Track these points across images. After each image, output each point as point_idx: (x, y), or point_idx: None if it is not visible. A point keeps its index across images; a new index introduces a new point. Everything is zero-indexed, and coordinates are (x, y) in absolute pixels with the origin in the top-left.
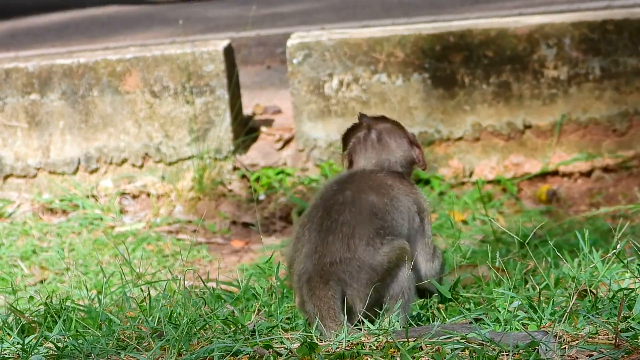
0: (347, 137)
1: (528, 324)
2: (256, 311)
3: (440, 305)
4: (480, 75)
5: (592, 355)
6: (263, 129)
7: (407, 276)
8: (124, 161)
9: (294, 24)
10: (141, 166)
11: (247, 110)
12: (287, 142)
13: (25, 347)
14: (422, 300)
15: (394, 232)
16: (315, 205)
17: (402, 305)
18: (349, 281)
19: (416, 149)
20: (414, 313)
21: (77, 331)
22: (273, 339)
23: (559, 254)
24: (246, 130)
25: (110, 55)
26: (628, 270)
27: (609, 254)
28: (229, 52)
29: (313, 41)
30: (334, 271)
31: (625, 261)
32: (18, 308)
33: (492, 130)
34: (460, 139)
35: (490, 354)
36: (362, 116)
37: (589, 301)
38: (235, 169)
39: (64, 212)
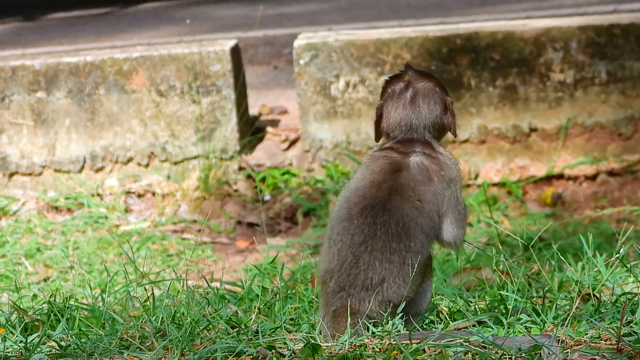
0: (385, 86)
1: (531, 328)
2: (256, 311)
3: (444, 308)
4: (486, 78)
5: (595, 359)
6: (269, 129)
7: (429, 288)
8: (130, 160)
9: (301, 24)
10: (147, 165)
11: (253, 111)
12: (293, 142)
13: (28, 345)
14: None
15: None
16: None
17: (417, 312)
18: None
19: (449, 116)
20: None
21: (80, 330)
22: (276, 339)
23: (562, 258)
24: (252, 130)
25: (117, 54)
26: (632, 275)
27: (613, 258)
28: (235, 52)
29: (320, 42)
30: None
31: (629, 265)
32: (21, 306)
33: (497, 132)
34: (466, 141)
35: (493, 357)
36: (407, 67)
37: (592, 305)
38: (241, 169)
39: (69, 210)
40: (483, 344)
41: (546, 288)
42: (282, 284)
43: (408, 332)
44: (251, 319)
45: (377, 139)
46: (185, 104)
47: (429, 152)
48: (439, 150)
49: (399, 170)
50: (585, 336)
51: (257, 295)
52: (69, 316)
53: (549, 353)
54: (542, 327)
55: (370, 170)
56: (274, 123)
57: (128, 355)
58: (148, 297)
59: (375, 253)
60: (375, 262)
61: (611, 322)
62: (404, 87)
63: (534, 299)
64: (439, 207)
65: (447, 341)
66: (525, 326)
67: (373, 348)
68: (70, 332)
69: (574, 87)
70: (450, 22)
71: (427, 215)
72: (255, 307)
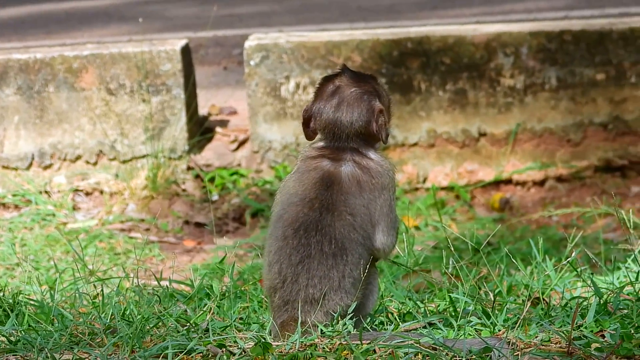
0: (320, 86)
1: (481, 330)
2: (210, 310)
3: (394, 309)
4: (436, 82)
5: None
6: (218, 129)
7: (376, 289)
8: (78, 158)
9: (252, 25)
10: (95, 163)
11: (202, 111)
12: (242, 143)
13: None
14: (378, 304)
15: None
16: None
17: (365, 313)
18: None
19: (380, 120)
20: (368, 318)
21: (29, 326)
22: (226, 338)
23: (514, 261)
24: (201, 130)
25: (67, 52)
26: (580, 279)
27: (562, 263)
28: (186, 51)
29: (271, 43)
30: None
31: (578, 270)
32: None
33: (447, 137)
34: (415, 144)
35: (444, 359)
36: (343, 68)
37: (542, 309)
38: (189, 168)
39: (17, 207)
40: (434, 346)
41: (496, 291)
42: (232, 283)
43: (358, 332)
44: (200, 316)
45: (308, 139)
46: (135, 103)
47: (360, 160)
48: (370, 156)
49: (331, 185)
50: (535, 339)
51: (207, 294)
52: (18, 312)
53: (499, 355)
54: (492, 329)
55: (302, 183)
56: (224, 123)
57: (78, 351)
58: (97, 294)
59: (313, 271)
60: (314, 280)
61: (561, 326)
62: (333, 91)
63: (484, 302)
64: (371, 216)
65: (398, 342)
66: (475, 329)
67: (323, 348)
68: (20, 327)
69: (524, 93)
70: (402, 26)
71: (359, 227)
72: (205, 306)
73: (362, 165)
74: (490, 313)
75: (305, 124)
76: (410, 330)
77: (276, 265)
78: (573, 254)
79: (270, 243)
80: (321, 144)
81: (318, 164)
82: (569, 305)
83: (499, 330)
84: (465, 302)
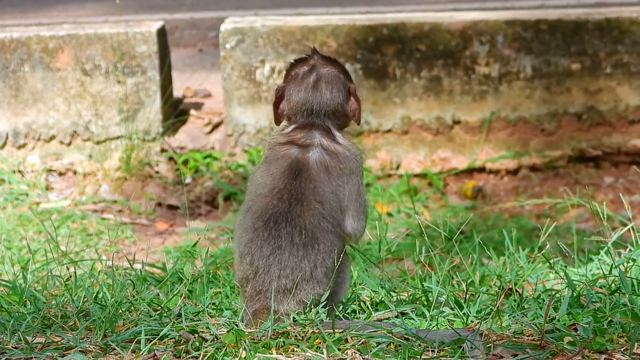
0: (289, 69)
1: (454, 321)
2: (182, 296)
3: (366, 298)
4: (412, 69)
5: (517, 355)
6: (193, 112)
7: (347, 277)
8: (52, 138)
9: (228, 8)
10: (69, 144)
11: (177, 93)
12: (216, 126)
13: None
14: (350, 292)
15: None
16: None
17: (337, 301)
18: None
19: (354, 103)
20: (340, 306)
21: (1, 307)
22: (199, 324)
23: (488, 252)
24: (176, 112)
25: (43, 32)
26: (553, 271)
27: (536, 254)
28: (162, 33)
29: (247, 27)
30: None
31: (551, 262)
32: None
33: (421, 124)
34: (389, 131)
35: (416, 350)
36: (313, 51)
37: (515, 300)
38: (163, 150)
39: None
40: (406, 336)
41: (468, 281)
42: (204, 267)
43: (331, 320)
44: (172, 300)
45: (277, 122)
46: (110, 84)
47: (328, 144)
48: (339, 141)
49: (299, 173)
50: (508, 331)
51: (179, 278)
52: None
53: (471, 347)
54: (465, 320)
55: (270, 173)
56: (198, 106)
57: (51, 334)
58: (70, 276)
59: (285, 262)
60: (286, 270)
61: (534, 318)
62: (308, 70)
63: (457, 292)
64: (340, 202)
65: (371, 332)
66: (448, 319)
67: (296, 336)
68: None
69: (498, 81)
70: (378, 12)
71: (329, 216)
72: (178, 290)
73: (330, 151)
74: (462, 303)
75: (276, 104)
76: (383, 320)
77: (247, 256)
78: (547, 246)
79: (240, 234)
80: (289, 129)
81: (286, 151)
82: (541, 297)
83: (472, 321)
84: (438, 291)
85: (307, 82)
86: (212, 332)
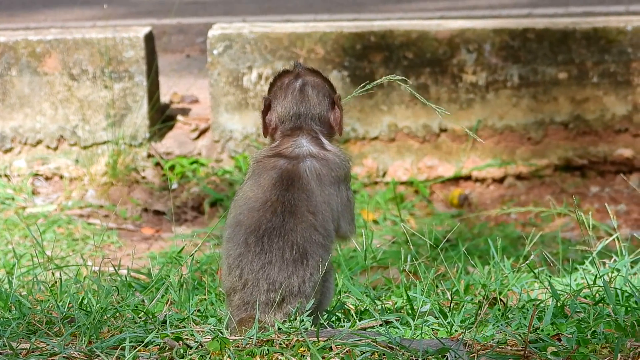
0: (274, 80)
1: (438, 330)
2: (168, 303)
3: (351, 306)
4: (405, 82)
5: None
6: (179, 117)
7: (332, 285)
8: (39, 142)
9: (215, 13)
10: (56, 148)
11: (164, 98)
12: (203, 132)
13: None
14: (335, 301)
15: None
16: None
17: (321, 310)
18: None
19: (337, 112)
20: (325, 315)
21: None
22: (184, 331)
23: (472, 261)
24: (163, 118)
25: (30, 36)
26: (538, 280)
27: (520, 264)
28: (149, 39)
29: (234, 33)
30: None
31: (536, 271)
32: None
33: (407, 131)
34: (375, 138)
35: (400, 359)
36: (296, 64)
37: (499, 310)
38: (149, 156)
39: None
40: (390, 345)
41: (453, 290)
42: (190, 274)
43: (315, 329)
44: (157, 307)
45: (264, 133)
46: (97, 89)
47: (317, 152)
48: (327, 148)
49: (291, 183)
50: (492, 341)
51: (164, 284)
52: None
53: (455, 356)
54: (449, 330)
55: (260, 185)
56: (185, 112)
57: (36, 340)
58: (55, 282)
59: (274, 277)
60: (275, 285)
61: (518, 328)
62: (294, 78)
63: (441, 301)
64: (333, 211)
65: (355, 340)
66: (432, 328)
67: (280, 344)
68: None
69: (485, 89)
70: (365, 19)
71: (320, 227)
72: (163, 297)
73: (320, 158)
74: (447, 312)
75: (264, 113)
76: (367, 328)
77: (237, 269)
78: (532, 256)
79: (229, 247)
80: (276, 143)
81: (275, 162)
82: (526, 306)
83: (456, 331)
84: (423, 300)
85: (294, 87)
86: (196, 340)
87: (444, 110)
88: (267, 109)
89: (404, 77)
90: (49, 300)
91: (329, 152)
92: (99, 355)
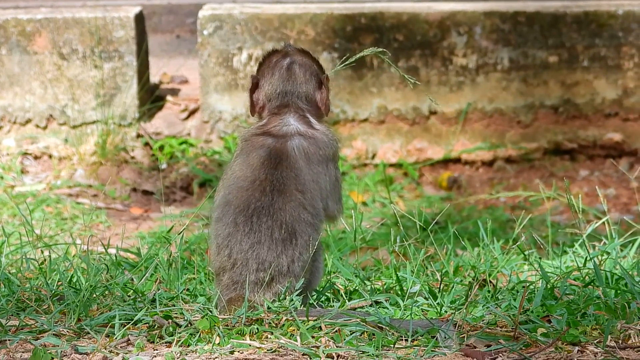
0: (263, 60)
1: (428, 311)
2: (157, 281)
3: (340, 286)
4: (389, 59)
5: (491, 345)
6: (169, 98)
7: (322, 265)
8: (28, 121)
9: None
10: (45, 127)
11: (154, 79)
12: (192, 112)
13: None
14: (324, 281)
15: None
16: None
17: (311, 289)
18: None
19: (323, 91)
20: (314, 295)
21: None
22: (173, 309)
23: (463, 242)
24: (152, 98)
25: (20, 15)
26: (527, 262)
27: (510, 246)
28: (140, 19)
29: (225, 14)
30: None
31: (525, 253)
32: None
33: (397, 114)
34: (365, 120)
35: (389, 339)
36: (286, 44)
37: (489, 291)
38: (139, 136)
39: None
40: (380, 325)
41: (443, 271)
42: (179, 253)
43: (305, 309)
44: (147, 285)
45: (252, 112)
46: (87, 69)
47: (305, 130)
48: (315, 127)
49: (279, 162)
50: (481, 322)
51: (153, 263)
52: None
53: (445, 337)
54: (439, 310)
55: (249, 164)
56: (174, 92)
57: (25, 317)
58: (44, 260)
59: (263, 257)
60: (264, 264)
61: (508, 309)
62: (282, 57)
63: (431, 282)
64: (321, 190)
65: (344, 320)
66: (422, 309)
67: (269, 323)
68: None
69: (476, 72)
70: (356, 1)
71: (309, 205)
72: (152, 276)
73: (307, 136)
74: (437, 293)
75: (252, 91)
76: (357, 309)
77: (226, 249)
78: (522, 238)
79: (218, 227)
80: (263, 121)
81: (263, 141)
82: (515, 288)
83: (446, 312)
84: (413, 281)
85: (281, 66)
86: (186, 318)
87: (415, 81)
88: (254, 88)
89: (384, 50)
90: (38, 278)
91: (317, 130)
92: (88, 333)
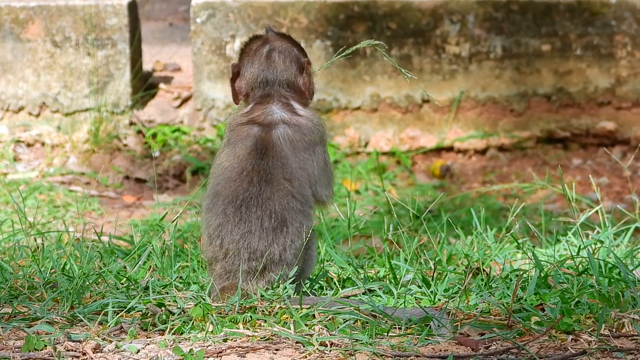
0: (244, 47)
1: (421, 299)
2: (150, 269)
3: (334, 274)
4: (383, 49)
5: (485, 334)
6: (162, 85)
7: (314, 253)
8: (21, 109)
9: None
10: (38, 115)
11: (147, 66)
12: (185, 100)
13: None
14: (317, 269)
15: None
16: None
17: (304, 277)
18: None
19: (305, 76)
20: (308, 283)
21: None
22: (166, 297)
23: (456, 230)
24: (145, 86)
25: (14, 2)
26: (521, 251)
27: (504, 234)
28: (133, 6)
29: (218, 1)
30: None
31: (519, 242)
32: None
33: (390, 102)
34: (358, 108)
35: (383, 327)
36: (267, 29)
37: (482, 280)
38: (131, 124)
39: None
40: (373, 313)
41: (436, 259)
42: (172, 241)
43: (298, 297)
44: (140, 273)
45: (235, 100)
46: (80, 56)
47: (289, 118)
48: (300, 113)
49: (265, 152)
50: (475, 310)
51: (146, 251)
52: None
53: (438, 325)
54: (432, 299)
55: (236, 154)
56: (167, 80)
57: (18, 304)
58: (37, 248)
59: (255, 246)
60: (256, 253)
61: (501, 298)
62: (261, 44)
63: (424, 271)
64: (310, 176)
65: (338, 308)
66: (415, 297)
67: (263, 311)
68: None
69: (468, 61)
70: None
71: (298, 194)
72: (145, 264)
73: (292, 124)
74: (430, 282)
75: (233, 80)
76: (350, 297)
77: (217, 239)
78: (515, 227)
79: (209, 217)
80: (247, 108)
81: (249, 131)
82: (509, 277)
83: (439, 300)
84: (406, 269)
85: (260, 54)
86: (179, 306)
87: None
88: (235, 76)
89: (380, 42)
90: (30, 265)
91: (301, 117)
92: (81, 320)
